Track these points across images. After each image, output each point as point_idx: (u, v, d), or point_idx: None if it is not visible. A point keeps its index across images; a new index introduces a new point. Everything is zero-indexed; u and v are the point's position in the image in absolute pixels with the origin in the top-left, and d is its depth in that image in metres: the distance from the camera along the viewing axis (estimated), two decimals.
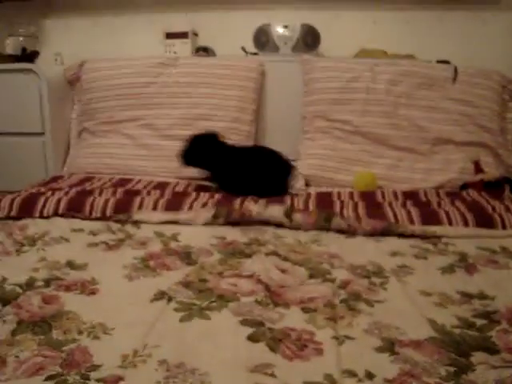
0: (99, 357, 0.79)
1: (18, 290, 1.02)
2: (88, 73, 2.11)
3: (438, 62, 2.10)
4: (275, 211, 1.39)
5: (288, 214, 1.38)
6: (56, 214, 1.45)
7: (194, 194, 1.59)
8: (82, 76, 2.13)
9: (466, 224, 1.39)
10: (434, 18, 2.28)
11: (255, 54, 2.20)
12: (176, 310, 0.94)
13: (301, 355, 0.79)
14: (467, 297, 1.01)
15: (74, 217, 1.45)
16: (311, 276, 1.09)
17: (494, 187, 1.71)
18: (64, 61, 2.37)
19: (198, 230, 1.37)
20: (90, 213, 1.46)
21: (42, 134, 2.08)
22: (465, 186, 1.77)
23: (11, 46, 2.27)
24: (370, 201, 1.56)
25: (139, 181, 1.82)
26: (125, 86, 2.05)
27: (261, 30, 2.18)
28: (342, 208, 1.46)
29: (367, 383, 0.73)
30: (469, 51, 2.23)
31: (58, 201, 1.48)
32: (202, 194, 1.60)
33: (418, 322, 0.91)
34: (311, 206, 1.47)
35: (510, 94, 2.01)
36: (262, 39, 2.17)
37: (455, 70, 1.98)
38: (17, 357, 0.78)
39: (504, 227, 1.38)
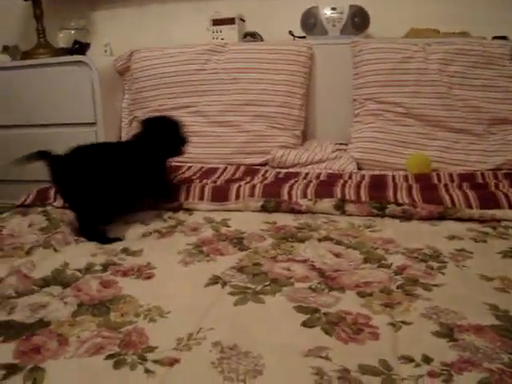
0: (155, 339, 0.81)
1: (78, 274, 1.05)
2: (137, 62, 2.14)
3: (494, 38, 2.01)
4: (325, 205, 1.37)
5: (339, 206, 1.36)
6: None
7: (241, 181, 1.59)
8: (132, 66, 2.16)
9: None
10: None
11: (303, 37, 2.17)
12: (231, 293, 0.95)
13: (356, 339, 0.78)
14: None
15: None
16: (366, 260, 1.07)
17: None
18: (113, 51, 2.41)
19: (247, 216, 1.37)
20: None
21: (94, 123, 2.12)
22: None
23: (63, 39, 2.34)
24: (425, 184, 1.52)
25: (190, 167, 1.83)
26: (174, 73, 2.07)
27: (308, 13, 2.14)
28: (395, 192, 1.43)
29: (424, 367, 0.72)
30: None
31: None
32: (251, 179, 1.60)
33: (478, 307, 0.88)
34: (363, 193, 1.43)
35: None
36: (310, 22, 2.13)
37: None
38: (78, 337, 0.82)
39: None
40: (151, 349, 0.78)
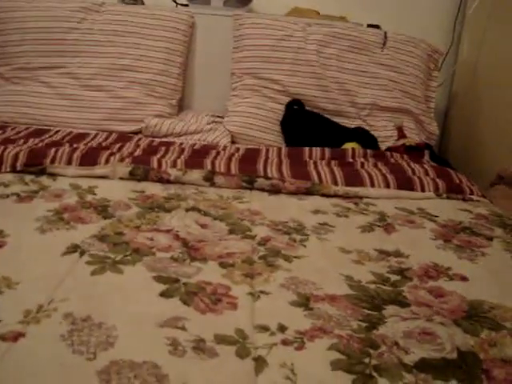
0: None
1: None
2: (2, 12, 1.95)
3: (369, 26, 2.10)
4: (194, 176, 1.34)
5: (208, 178, 1.34)
6: None
7: (112, 148, 1.52)
8: None
9: (387, 186, 1.41)
10: None
11: (185, 5, 2.12)
12: (88, 263, 0.90)
13: (214, 309, 0.78)
14: (384, 254, 1.04)
15: None
16: (231, 232, 1.07)
17: (414, 152, 1.74)
18: None
19: (116, 184, 1.31)
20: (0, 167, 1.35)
21: None
22: (388, 151, 1.80)
23: None
24: (296, 160, 1.56)
25: (57, 131, 1.71)
26: (44, 30, 1.91)
27: None
28: (265, 166, 1.45)
29: (279, 336, 0.73)
30: (398, 18, 2.25)
31: None
32: (122, 147, 1.54)
33: (334, 278, 0.92)
34: (233, 166, 1.43)
35: (435, 62, 2.06)
36: None
37: (385, 35, 1.99)
38: None
39: (423, 189, 1.42)
40: None
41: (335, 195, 1.34)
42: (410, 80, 1.97)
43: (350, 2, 2.28)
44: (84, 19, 1.93)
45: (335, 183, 1.40)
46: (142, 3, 2.18)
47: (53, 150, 1.41)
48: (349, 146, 1.72)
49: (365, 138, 1.80)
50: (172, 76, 1.92)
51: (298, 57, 1.90)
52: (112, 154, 1.43)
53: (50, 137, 1.64)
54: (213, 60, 2.02)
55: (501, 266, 1.04)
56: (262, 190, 1.33)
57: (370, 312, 0.81)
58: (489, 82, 2.05)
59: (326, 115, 1.87)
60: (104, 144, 1.60)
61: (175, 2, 2.14)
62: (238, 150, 1.63)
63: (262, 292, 0.84)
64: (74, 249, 0.95)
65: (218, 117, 1.90)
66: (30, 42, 1.90)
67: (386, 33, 2.00)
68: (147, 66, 1.88)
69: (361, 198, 1.35)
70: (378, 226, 1.18)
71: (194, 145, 1.65)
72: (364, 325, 0.78)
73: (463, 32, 2.27)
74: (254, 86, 1.89)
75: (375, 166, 1.54)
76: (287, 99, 1.87)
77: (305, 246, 1.03)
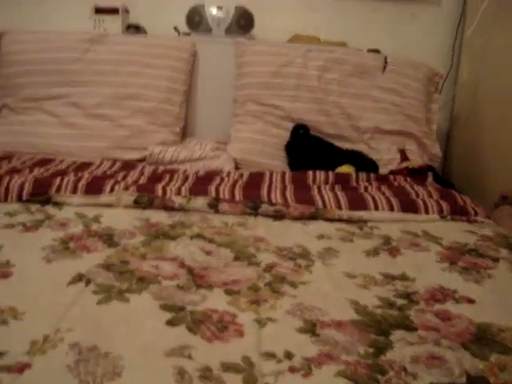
0: (5, 343, 0.74)
1: None
2: (9, 45, 1.98)
3: (369, 50, 2.13)
4: (199, 203, 1.35)
5: (212, 204, 1.34)
6: None
7: (117, 176, 1.54)
8: (2, 48, 2.00)
9: (391, 209, 1.41)
10: (367, 7, 2.31)
11: (187, 34, 2.15)
12: (94, 292, 0.90)
13: (221, 337, 0.78)
14: (389, 278, 1.03)
15: None
16: (236, 258, 1.07)
17: (417, 174, 1.75)
18: None
19: (121, 212, 1.31)
20: (6, 196, 1.36)
21: None
22: (391, 173, 1.81)
23: None
24: (300, 184, 1.56)
25: (62, 161, 1.73)
26: (50, 61, 1.94)
27: (194, 10, 2.12)
28: (269, 192, 1.45)
29: (286, 363, 0.73)
30: (398, 42, 2.28)
31: None
32: (127, 175, 1.55)
33: (340, 303, 0.92)
34: (237, 192, 1.43)
35: (435, 85, 2.07)
36: (195, 19, 2.12)
37: (385, 59, 2.01)
38: None
39: (427, 212, 1.41)
40: None
41: (339, 219, 1.34)
42: (412, 103, 1.98)
43: (350, 28, 2.31)
44: (88, 50, 1.96)
45: (339, 207, 1.40)
46: (145, 33, 2.22)
47: (58, 179, 1.43)
48: (342, 169, 1.73)
49: (361, 162, 1.81)
50: (175, 104, 1.94)
51: (300, 82, 1.92)
52: (117, 182, 1.45)
53: (55, 166, 1.66)
54: (215, 87, 2.04)
55: (507, 287, 1.04)
56: (267, 215, 1.34)
57: (376, 337, 0.81)
58: (489, 103, 2.06)
59: (329, 139, 1.89)
60: (109, 172, 1.61)
61: (177, 31, 2.17)
62: (241, 175, 1.64)
63: (268, 319, 0.84)
64: (79, 278, 0.95)
65: (222, 143, 1.92)
66: (36, 73, 1.93)
67: (386, 57, 2.02)
68: (151, 95, 1.91)
69: (365, 221, 1.35)
70: (383, 249, 1.18)
71: (198, 171, 1.66)
72: (371, 350, 0.77)
73: (462, 54, 2.29)
74: (257, 112, 1.91)
75: (379, 189, 1.54)
76: (290, 125, 1.88)
77: (310, 272, 1.03)
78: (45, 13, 2.31)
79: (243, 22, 2.11)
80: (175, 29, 2.17)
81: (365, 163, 1.81)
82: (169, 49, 1.98)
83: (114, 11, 2.18)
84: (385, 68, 2.00)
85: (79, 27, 2.10)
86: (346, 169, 1.74)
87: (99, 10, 2.17)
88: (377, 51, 2.13)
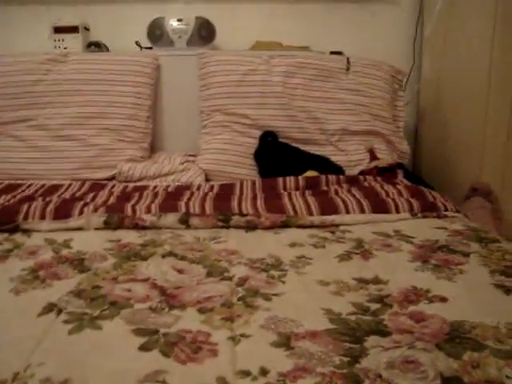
0: None
1: None
2: None
3: (332, 53, 2.15)
4: (169, 220, 1.34)
5: (183, 220, 1.34)
6: None
7: (85, 198, 1.52)
8: None
9: (362, 211, 1.42)
10: (325, 10, 2.33)
11: (149, 48, 2.14)
12: (65, 322, 0.88)
13: (195, 358, 0.77)
14: (363, 282, 1.03)
15: None
16: (209, 274, 1.06)
17: (387, 173, 1.76)
18: None
19: (91, 235, 1.30)
20: None
21: None
22: (361, 174, 1.82)
23: None
24: (270, 193, 1.56)
25: (30, 185, 1.70)
26: (11, 84, 1.92)
27: (155, 24, 2.12)
28: (240, 203, 1.45)
29: (261, 380, 0.72)
30: (360, 43, 2.30)
31: None
32: (96, 196, 1.53)
33: (314, 312, 0.91)
34: (208, 205, 1.43)
35: (399, 83, 2.10)
36: (157, 33, 2.11)
37: (348, 60, 2.03)
38: None
39: (397, 211, 1.43)
40: None
41: (312, 226, 1.35)
42: (377, 102, 2.00)
43: (312, 32, 2.32)
44: (50, 70, 1.94)
45: (310, 213, 1.40)
46: (107, 50, 2.20)
47: (25, 205, 1.40)
48: (306, 175, 1.74)
49: (326, 167, 1.82)
50: (141, 119, 1.93)
51: (265, 89, 1.92)
52: (86, 204, 1.43)
53: (23, 191, 1.63)
54: (181, 100, 2.04)
55: (479, 282, 1.05)
56: (239, 227, 1.33)
57: (351, 345, 0.81)
58: (452, 98, 2.09)
59: (297, 145, 1.89)
60: (77, 195, 1.59)
61: (139, 45, 2.16)
62: (212, 187, 1.63)
63: (242, 335, 0.84)
64: (50, 308, 0.93)
65: (191, 156, 1.91)
66: None
67: (348, 58, 2.04)
68: (116, 112, 1.90)
69: (337, 225, 1.35)
70: (356, 253, 1.18)
71: (168, 187, 1.65)
72: (346, 359, 0.77)
73: (423, 52, 2.32)
74: (224, 122, 1.91)
75: (349, 191, 1.55)
76: (258, 132, 1.89)
77: (283, 282, 1.03)
78: (4, 35, 2.28)
79: (204, 33, 2.11)
80: (137, 43, 2.17)
81: (330, 168, 1.82)
82: (131, 64, 1.97)
83: (73, 29, 2.17)
84: (348, 69, 2.02)
85: (40, 48, 2.08)
86: (309, 174, 1.74)
87: (58, 30, 2.15)
88: (339, 53, 2.15)
